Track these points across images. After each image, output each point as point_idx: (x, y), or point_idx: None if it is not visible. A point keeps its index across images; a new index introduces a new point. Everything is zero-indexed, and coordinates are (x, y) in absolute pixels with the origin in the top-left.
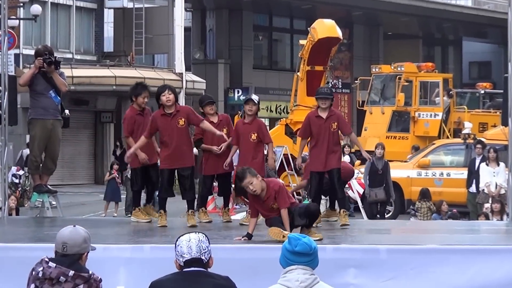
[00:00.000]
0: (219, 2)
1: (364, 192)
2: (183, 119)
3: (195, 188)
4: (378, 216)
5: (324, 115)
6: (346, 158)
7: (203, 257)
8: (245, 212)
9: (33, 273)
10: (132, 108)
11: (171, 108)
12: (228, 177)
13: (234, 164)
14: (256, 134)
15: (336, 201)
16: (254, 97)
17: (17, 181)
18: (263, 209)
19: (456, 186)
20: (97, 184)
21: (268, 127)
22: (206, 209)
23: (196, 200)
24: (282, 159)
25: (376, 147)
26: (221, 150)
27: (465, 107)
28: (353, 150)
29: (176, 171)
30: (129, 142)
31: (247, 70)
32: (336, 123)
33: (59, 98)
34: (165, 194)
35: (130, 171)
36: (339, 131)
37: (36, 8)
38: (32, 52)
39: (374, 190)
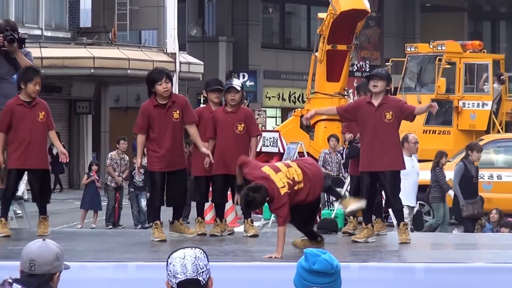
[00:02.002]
0: None
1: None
2: (178, 112)
3: (186, 194)
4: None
5: (376, 101)
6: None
7: (200, 278)
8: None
9: None
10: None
11: (166, 99)
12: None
13: None
14: (243, 125)
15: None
16: (236, 83)
17: None
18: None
19: (508, 190)
20: (72, 189)
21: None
22: (203, 219)
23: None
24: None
25: (471, 149)
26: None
27: None
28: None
29: (166, 174)
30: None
31: (254, 49)
32: (390, 113)
33: None
34: (161, 202)
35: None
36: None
37: None
38: None
39: (469, 202)
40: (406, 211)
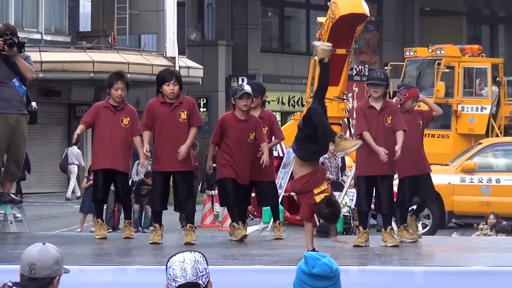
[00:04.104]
0: None
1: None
2: (185, 112)
3: (195, 198)
4: None
5: (377, 105)
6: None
7: (200, 281)
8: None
9: None
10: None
11: (173, 99)
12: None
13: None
14: (253, 134)
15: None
16: (248, 88)
17: None
18: None
19: (507, 194)
20: (71, 192)
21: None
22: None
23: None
24: None
25: None
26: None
27: None
28: None
29: (171, 176)
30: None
31: (254, 53)
32: (390, 117)
33: (24, 87)
34: (162, 206)
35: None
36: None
37: None
38: None
39: None
40: None
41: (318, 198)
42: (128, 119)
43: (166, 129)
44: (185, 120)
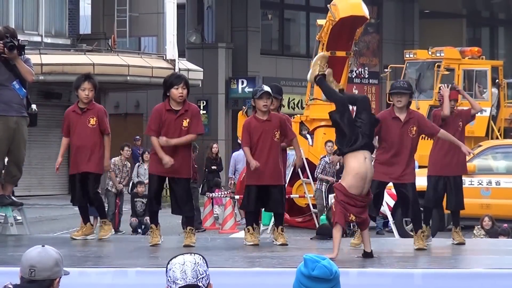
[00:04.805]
0: None
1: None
2: (187, 120)
3: (194, 201)
4: None
5: (402, 116)
6: None
7: (200, 284)
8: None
9: None
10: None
11: (180, 105)
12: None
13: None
14: (279, 132)
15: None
16: (267, 88)
17: None
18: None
19: (507, 196)
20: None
21: None
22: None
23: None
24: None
25: None
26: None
27: None
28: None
29: (167, 180)
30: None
31: (254, 56)
32: (415, 128)
33: (24, 90)
34: (156, 206)
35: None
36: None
37: None
38: None
39: None
40: None
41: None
42: (95, 119)
43: (169, 136)
44: (186, 128)
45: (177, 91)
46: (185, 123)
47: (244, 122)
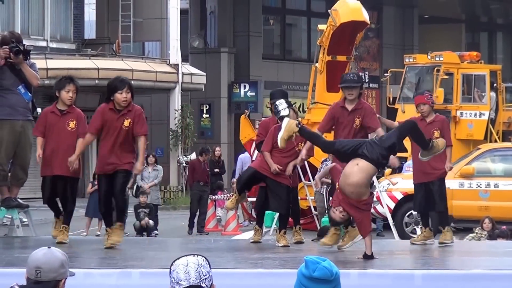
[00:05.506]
0: None
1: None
2: (129, 120)
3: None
4: None
5: (350, 106)
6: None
7: (203, 285)
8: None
9: None
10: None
11: (123, 107)
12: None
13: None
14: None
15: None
16: (284, 113)
17: None
18: None
19: (505, 199)
20: (76, 197)
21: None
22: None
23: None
24: (297, 167)
25: None
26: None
27: None
28: None
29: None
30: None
31: (256, 60)
32: (359, 119)
33: (30, 94)
34: (105, 206)
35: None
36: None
37: None
38: None
39: None
40: None
41: None
42: (74, 122)
43: (109, 134)
44: (127, 128)
45: (121, 96)
46: (126, 122)
47: (271, 130)
